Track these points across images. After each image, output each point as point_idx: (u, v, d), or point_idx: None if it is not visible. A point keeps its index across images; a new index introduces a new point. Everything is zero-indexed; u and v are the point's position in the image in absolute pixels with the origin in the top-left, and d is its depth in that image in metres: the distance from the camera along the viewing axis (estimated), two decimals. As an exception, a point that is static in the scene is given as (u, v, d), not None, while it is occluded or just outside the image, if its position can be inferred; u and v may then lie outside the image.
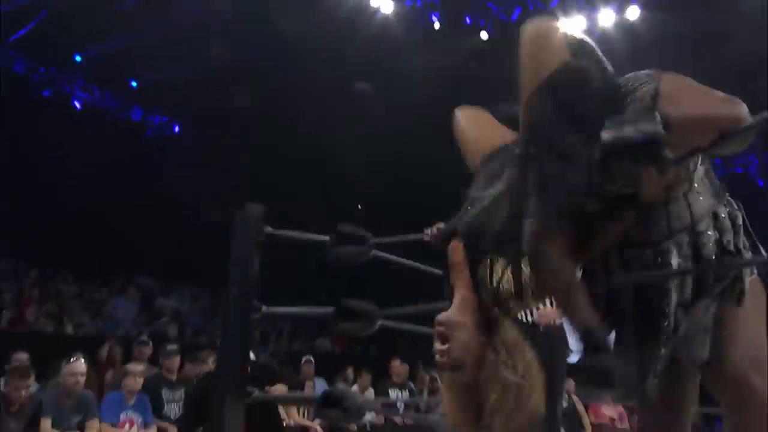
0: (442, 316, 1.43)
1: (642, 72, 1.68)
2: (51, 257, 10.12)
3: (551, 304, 3.80)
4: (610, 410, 7.08)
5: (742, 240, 1.81)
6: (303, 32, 9.25)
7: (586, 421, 6.38)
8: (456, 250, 1.53)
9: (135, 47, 9.72)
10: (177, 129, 13.01)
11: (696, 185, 1.80)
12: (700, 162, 1.82)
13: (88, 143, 10.64)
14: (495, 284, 1.43)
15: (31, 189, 9.96)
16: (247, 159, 12.12)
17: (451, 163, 2.02)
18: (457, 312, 1.44)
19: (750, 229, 1.86)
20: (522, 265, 1.41)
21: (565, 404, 4.81)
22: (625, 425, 6.71)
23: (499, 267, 1.43)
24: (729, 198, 1.89)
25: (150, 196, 11.26)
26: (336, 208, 11.09)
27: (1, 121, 9.67)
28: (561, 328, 3.84)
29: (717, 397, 1.84)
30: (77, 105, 11.24)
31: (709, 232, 1.76)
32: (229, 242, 3.38)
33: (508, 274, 1.41)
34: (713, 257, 1.74)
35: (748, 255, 1.78)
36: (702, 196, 1.80)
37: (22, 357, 5.00)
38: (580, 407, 6.40)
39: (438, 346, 1.41)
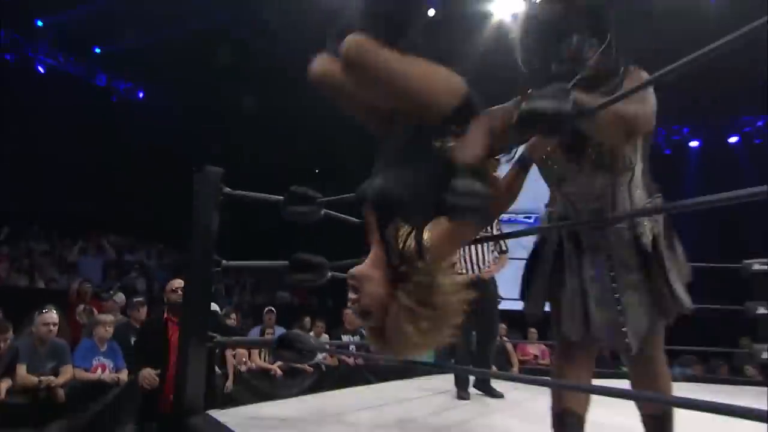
0: (354, 270, 1.50)
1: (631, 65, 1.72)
2: (21, 216, 9.67)
3: (491, 263, 3.98)
4: (534, 349, 7.38)
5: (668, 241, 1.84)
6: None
7: (514, 360, 6.62)
8: (368, 213, 1.57)
9: (97, 14, 9.19)
10: (141, 95, 12.51)
11: (635, 177, 1.84)
12: (640, 159, 1.86)
13: (53, 107, 10.16)
14: (402, 245, 1.47)
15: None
16: (209, 125, 11.83)
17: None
18: (368, 267, 1.49)
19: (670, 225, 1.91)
20: (424, 232, 1.46)
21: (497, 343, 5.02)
22: (546, 360, 7.00)
23: (404, 231, 1.47)
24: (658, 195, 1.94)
25: (117, 159, 10.87)
26: (295, 171, 10.97)
27: None
28: (494, 281, 4.03)
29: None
30: (41, 69, 10.62)
31: (645, 223, 1.80)
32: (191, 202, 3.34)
33: (412, 238, 1.45)
34: (648, 249, 1.77)
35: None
36: (639, 189, 1.85)
37: None
38: (509, 347, 6.65)
39: (351, 295, 1.48)
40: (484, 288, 3.73)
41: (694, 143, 11.32)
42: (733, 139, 10.87)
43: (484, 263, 3.91)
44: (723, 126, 10.82)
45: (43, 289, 7.82)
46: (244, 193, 3.36)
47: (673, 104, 9.17)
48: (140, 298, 5.89)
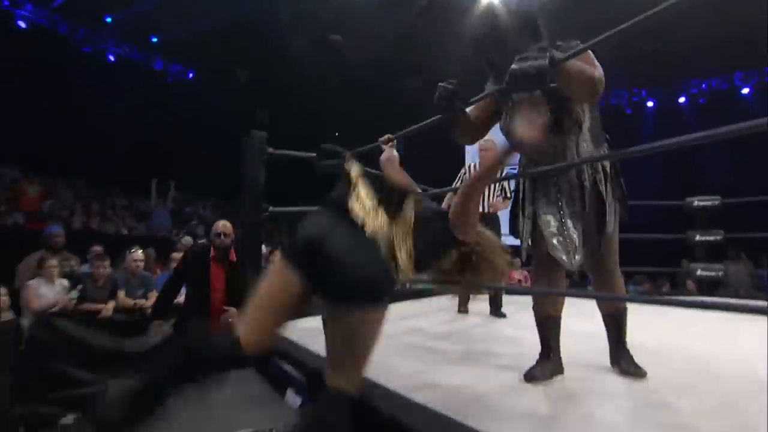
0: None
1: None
2: (104, 177, 9.83)
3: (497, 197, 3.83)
4: (518, 274, 7.48)
5: (610, 183, 1.91)
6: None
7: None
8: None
9: (153, 9, 9.04)
10: (191, 75, 12.30)
11: (583, 132, 1.90)
12: (588, 114, 1.91)
13: (123, 89, 10.05)
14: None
15: (83, 128, 9.44)
16: (249, 99, 11.73)
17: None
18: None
19: (619, 173, 1.96)
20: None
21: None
22: (527, 284, 7.10)
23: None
24: (607, 145, 1.99)
25: (175, 130, 10.80)
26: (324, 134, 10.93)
27: (50, 73, 9.10)
28: (498, 218, 3.87)
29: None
30: (111, 58, 10.49)
31: (588, 170, 1.88)
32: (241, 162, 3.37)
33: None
34: (588, 188, 1.86)
35: (610, 198, 1.89)
36: (586, 142, 1.91)
37: (97, 248, 4.94)
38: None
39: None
40: (491, 221, 3.63)
41: (650, 103, 11.02)
42: (681, 100, 10.58)
43: (489, 202, 3.81)
44: (674, 88, 10.49)
45: (126, 235, 8.03)
46: (284, 152, 3.41)
47: (633, 70, 9.00)
48: (203, 241, 6.02)
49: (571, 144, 1.87)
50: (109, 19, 9.87)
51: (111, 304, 4.10)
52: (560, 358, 1.95)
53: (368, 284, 1.24)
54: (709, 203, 4.63)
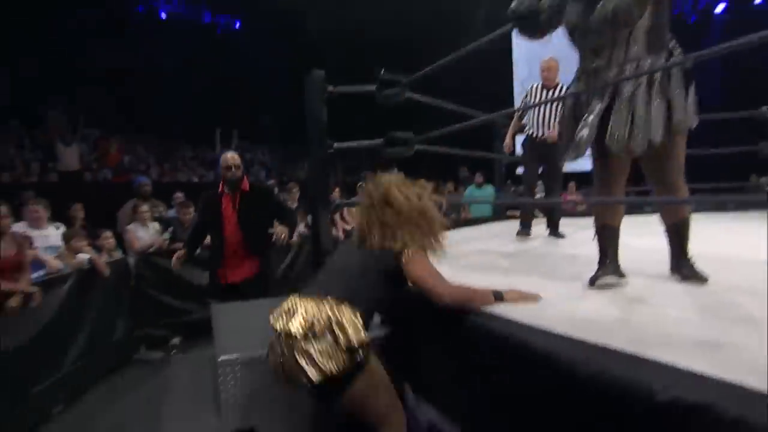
0: None
1: None
2: (172, 133, 10.32)
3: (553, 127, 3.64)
4: (572, 196, 7.39)
5: (659, 87, 1.80)
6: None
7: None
8: None
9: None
10: (238, 25, 12.32)
11: (634, 34, 1.83)
12: (649, 17, 1.82)
13: (175, 45, 10.29)
14: None
15: (146, 86, 9.80)
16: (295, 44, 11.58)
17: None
18: None
19: (683, 77, 1.83)
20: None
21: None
22: (582, 206, 7.01)
23: None
24: (672, 50, 1.89)
25: (231, 79, 10.96)
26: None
27: (108, 32, 9.39)
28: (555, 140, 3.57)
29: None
30: (163, 15, 10.67)
31: (645, 67, 1.80)
32: (300, 102, 3.42)
33: None
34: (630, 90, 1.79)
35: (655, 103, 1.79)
36: (638, 44, 1.84)
37: (179, 195, 5.32)
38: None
39: None
40: (549, 148, 3.56)
41: (720, 7, 9.91)
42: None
43: (549, 127, 3.66)
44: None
45: (197, 182, 8.54)
46: (344, 87, 3.41)
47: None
48: (272, 181, 6.34)
49: (620, 44, 1.81)
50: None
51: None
52: (618, 264, 1.99)
53: None
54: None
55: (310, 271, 4.52)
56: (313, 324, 1.41)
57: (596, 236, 2.04)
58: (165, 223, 4.65)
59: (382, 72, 3.21)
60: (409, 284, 1.65)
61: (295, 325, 1.41)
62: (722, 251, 2.43)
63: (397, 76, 3.21)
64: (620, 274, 1.97)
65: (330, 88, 3.35)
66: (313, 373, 1.37)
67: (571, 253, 2.89)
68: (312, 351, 1.38)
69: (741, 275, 1.95)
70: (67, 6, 8.77)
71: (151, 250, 4.30)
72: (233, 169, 3.19)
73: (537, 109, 3.68)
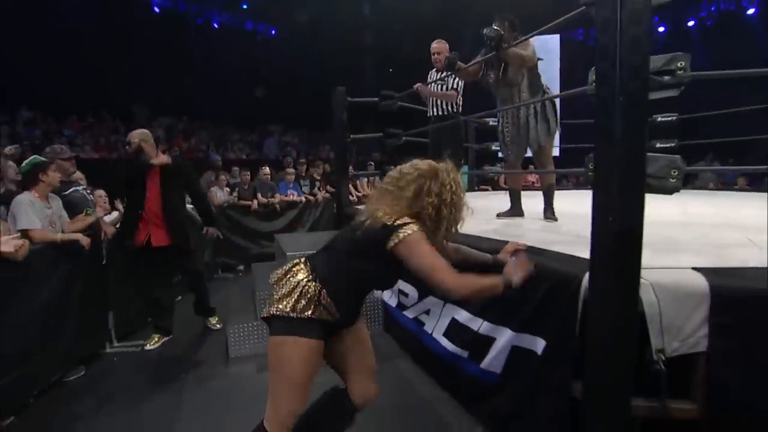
0: None
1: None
2: (224, 121, 11.10)
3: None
4: (532, 177, 8.18)
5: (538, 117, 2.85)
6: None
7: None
8: None
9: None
10: (273, 32, 12.87)
11: (522, 88, 2.87)
12: (527, 75, 2.85)
13: (225, 49, 10.91)
14: None
15: (204, 82, 10.37)
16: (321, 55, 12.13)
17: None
18: None
19: (551, 106, 2.88)
20: None
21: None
22: (538, 184, 7.79)
23: None
24: (542, 93, 2.88)
25: (265, 76, 11.37)
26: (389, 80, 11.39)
27: (174, 42, 10.09)
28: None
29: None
30: (215, 25, 11.43)
31: (530, 106, 2.85)
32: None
33: None
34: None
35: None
36: (525, 93, 2.87)
37: (235, 168, 6.39)
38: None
39: None
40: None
41: (661, 29, 10.47)
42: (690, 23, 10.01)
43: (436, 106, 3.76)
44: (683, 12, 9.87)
45: (245, 159, 9.50)
46: (359, 99, 4.30)
47: None
48: (303, 160, 7.29)
49: (515, 94, 2.87)
50: (212, -7, 10.67)
51: (255, 202, 5.57)
52: (521, 209, 3.10)
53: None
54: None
55: (332, 226, 5.57)
56: (280, 281, 1.37)
57: (510, 195, 3.16)
58: (231, 186, 5.73)
59: (381, 92, 4.07)
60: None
61: (275, 277, 1.39)
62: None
63: (391, 93, 4.04)
64: (520, 214, 3.10)
65: (348, 99, 4.31)
66: (271, 305, 1.34)
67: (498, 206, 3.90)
68: (275, 296, 1.35)
69: (575, 220, 3.02)
70: (150, 26, 9.69)
71: (224, 205, 5.40)
72: (143, 144, 2.97)
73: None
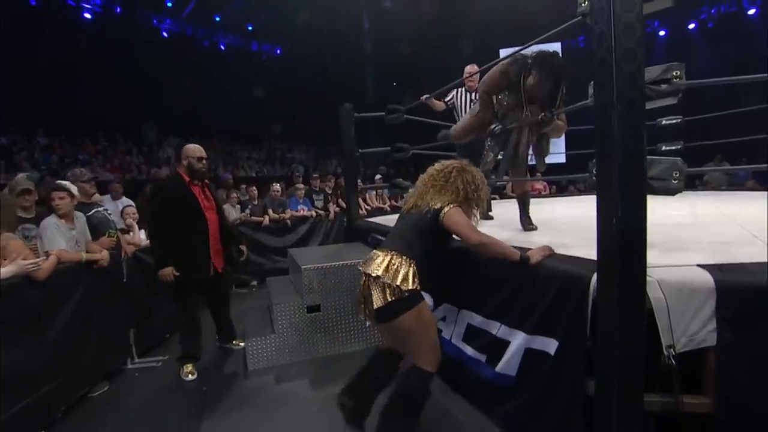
0: None
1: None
2: (235, 138, 11.43)
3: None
4: (538, 185, 8.26)
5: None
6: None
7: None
8: None
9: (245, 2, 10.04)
10: (278, 51, 13.29)
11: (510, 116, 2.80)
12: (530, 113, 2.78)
13: (232, 69, 11.33)
14: None
15: (211, 101, 10.69)
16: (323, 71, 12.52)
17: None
18: None
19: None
20: None
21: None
22: (546, 191, 7.90)
23: None
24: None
25: (269, 96, 11.61)
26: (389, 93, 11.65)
27: (185, 64, 10.48)
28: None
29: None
30: (222, 47, 11.78)
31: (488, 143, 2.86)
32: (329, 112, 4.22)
33: None
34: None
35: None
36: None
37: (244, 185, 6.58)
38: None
39: None
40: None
41: (662, 33, 10.57)
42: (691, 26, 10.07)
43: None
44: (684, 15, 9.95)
45: (253, 176, 9.69)
46: (366, 114, 4.43)
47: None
48: (316, 175, 7.36)
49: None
50: (217, 18, 11.04)
51: (266, 218, 5.68)
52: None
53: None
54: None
55: (342, 238, 5.65)
56: (379, 267, 1.69)
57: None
58: (243, 203, 5.86)
59: (387, 106, 4.15)
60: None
61: (371, 268, 1.71)
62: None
63: (397, 106, 4.14)
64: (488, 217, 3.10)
65: (356, 114, 4.43)
66: (376, 300, 1.65)
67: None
68: (377, 286, 1.66)
69: (582, 223, 3.05)
70: (159, 49, 10.01)
71: (236, 221, 5.52)
72: (204, 161, 2.93)
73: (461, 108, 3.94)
